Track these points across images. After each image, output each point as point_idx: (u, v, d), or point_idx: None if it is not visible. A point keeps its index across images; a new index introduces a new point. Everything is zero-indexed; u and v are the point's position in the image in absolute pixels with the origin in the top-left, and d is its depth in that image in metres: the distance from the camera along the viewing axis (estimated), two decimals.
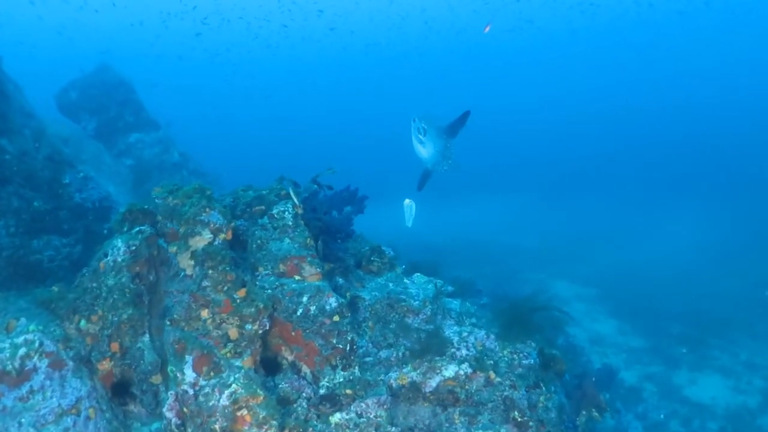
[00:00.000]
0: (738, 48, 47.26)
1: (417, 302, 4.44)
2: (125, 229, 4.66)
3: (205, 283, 3.53)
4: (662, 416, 9.30)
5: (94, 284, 4.11)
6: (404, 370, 3.71)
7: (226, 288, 3.53)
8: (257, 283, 4.12)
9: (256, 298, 3.57)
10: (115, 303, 3.94)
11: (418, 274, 5.81)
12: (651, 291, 13.68)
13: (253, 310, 3.45)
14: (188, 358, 3.30)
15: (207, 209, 3.87)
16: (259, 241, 4.41)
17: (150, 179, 11.71)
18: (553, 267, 15.35)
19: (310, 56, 50.05)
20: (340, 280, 5.15)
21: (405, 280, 5.49)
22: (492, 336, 4.39)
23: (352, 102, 51.99)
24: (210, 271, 3.55)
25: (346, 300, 4.79)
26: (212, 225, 3.88)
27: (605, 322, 12.01)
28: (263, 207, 5.04)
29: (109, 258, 4.16)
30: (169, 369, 3.43)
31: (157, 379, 3.85)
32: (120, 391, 4.04)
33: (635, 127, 47.33)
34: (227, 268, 3.61)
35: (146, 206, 4.66)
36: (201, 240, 3.74)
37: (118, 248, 4.16)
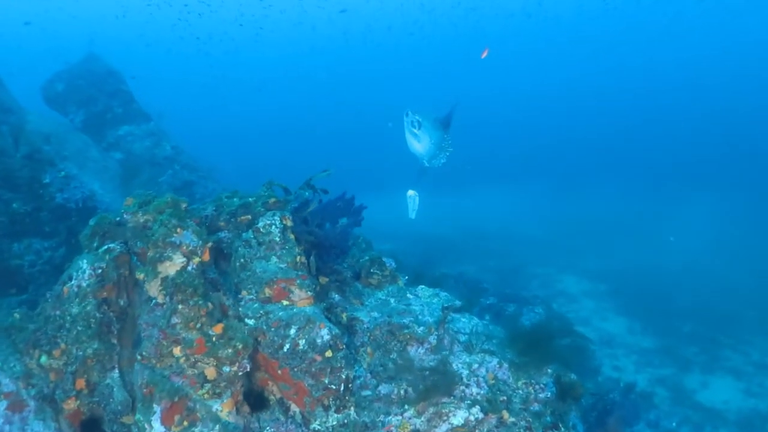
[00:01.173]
0: (764, 33, 45.20)
1: (421, 329, 3.97)
2: (95, 244, 4.20)
3: (175, 319, 3.06)
4: (674, 424, 8.93)
5: (57, 312, 3.65)
6: (406, 414, 3.26)
7: (199, 325, 3.06)
8: (240, 308, 3.66)
9: (234, 336, 3.10)
10: (80, 335, 3.49)
11: (422, 286, 5.33)
12: (662, 286, 13.20)
13: (230, 351, 2.99)
14: (156, 409, 2.85)
15: (178, 229, 3.38)
16: (242, 260, 3.93)
17: (140, 173, 11.20)
18: (561, 260, 14.86)
19: (304, 43, 48.94)
20: (336, 296, 4.69)
21: (408, 295, 5.02)
22: (505, 365, 3.93)
23: (349, 91, 50.95)
24: (180, 306, 3.08)
25: (344, 321, 4.34)
26: (185, 247, 3.39)
27: (615, 320, 11.58)
28: (249, 216, 4.55)
29: (73, 282, 3.70)
30: (136, 417, 2.98)
31: (128, 419, 3.41)
32: (90, 429, 3.62)
33: (651, 114, 45.03)
34: (200, 302, 3.13)
35: (118, 218, 4.18)
36: (171, 266, 3.26)
37: (83, 271, 3.69)
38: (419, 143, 5.65)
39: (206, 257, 3.58)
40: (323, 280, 4.63)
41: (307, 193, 4.37)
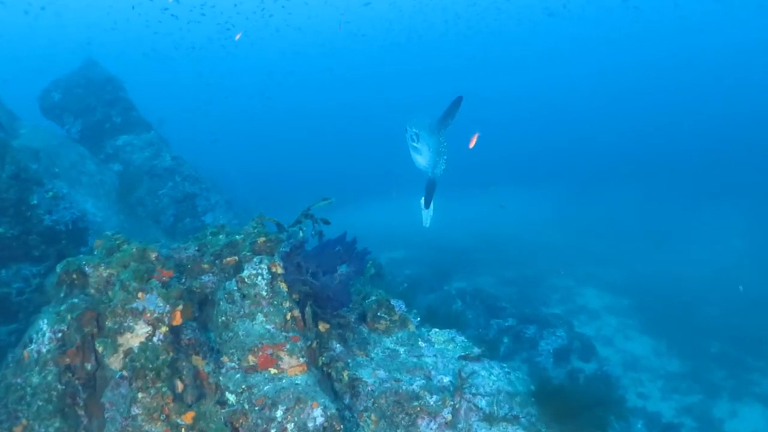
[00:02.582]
0: None
1: (434, 399, 3.37)
2: (62, 294, 3.69)
3: (136, 410, 2.51)
4: None
5: (19, 380, 3.14)
6: None
7: (164, 416, 2.50)
8: (221, 377, 3.10)
9: (207, 427, 2.53)
10: (41, 411, 2.96)
11: (436, 330, 4.74)
12: (689, 300, 12.39)
13: None
14: None
15: (140, 293, 2.82)
16: (223, 318, 3.36)
17: (139, 186, 10.77)
18: (581, 270, 14.08)
19: (315, 44, 48.16)
20: (338, 346, 4.10)
21: (420, 342, 4.42)
22: None
23: (361, 92, 50.05)
24: (140, 395, 2.52)
25: (345, 380, 3.76)
26: (149, 314, 2.84)
27: (639, 340, 10.86)
28: (236, 258, 3.99)
29: (33, 347, 3.18)
30: None
31: None
32: None
33: (681, 116, 41.64)
34: (164, 389, 2.56)
35: (86, 266, 3.66)
36: (134, 337, 2.71)
37: (43, 333, 3.17)
38: (421, 156, 5.47)
39: (177, 321, 3.03)
40: (323, 327, 4.06)
41: (301, 233, 3.78)
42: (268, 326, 3.26)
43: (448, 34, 47.88)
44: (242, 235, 4.04)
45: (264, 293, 3.36)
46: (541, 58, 52.09)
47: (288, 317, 3.36)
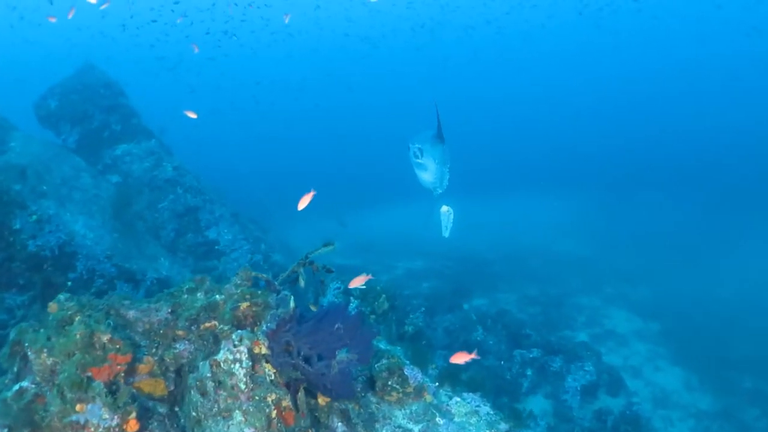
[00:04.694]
0: None
1: None
2: (15, 368, 3.07)
3: None
4: None
5: None
6: None
7: None
8: None
9: None
10: None
11: (457, 399, 4.01)
12: (722, 327, 11.41)
13: None
14: None
15: (80, 403, 2.15)
16: (194, 413, 2.68)
17: (138, 200, 10.20)
18: (609, 287, 13.14)
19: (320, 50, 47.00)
20: (339, 425, 3.41)
21: (437, 419, 3.72)
22: None
23: (376, 95, 48.79)
24: None
25: None
26: (92, 428, 2.16)
27: (670, 371, 9.97)
28: (215, 323, 3.31)
29: None
30: None
31: None
32: None
33: (725, 121, 37.27)
34: None
35: (28, 348, 3.01)
36: None
37: None
38: (426, 171, 5.31)
39: (132, 428, 2.36)
40: (322, 401, 3.36)
41: (292, 302, 3.07)
42: (247, 428, 2.57)
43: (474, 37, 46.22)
44: (223, 296, 3.35)
45: (243, 385, 2.66)
46: (572, 60, 49.99)
47: (273, 416, 2.66)
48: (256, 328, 3.21)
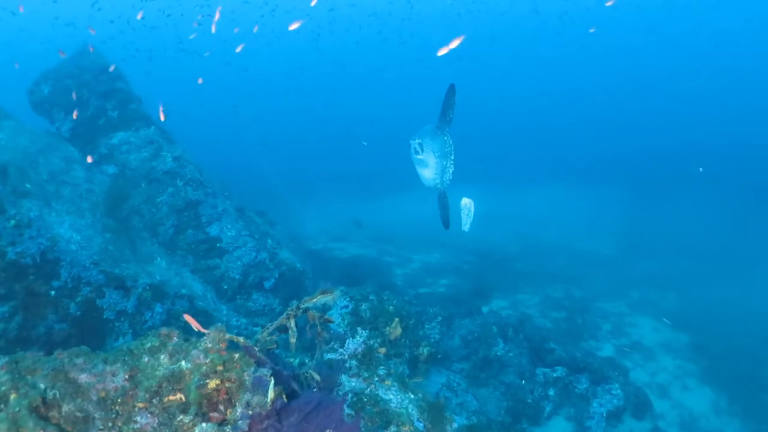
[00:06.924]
0: None
1: None
2: None
3: None
4: None
5: None
6: None
7: None
8: None
9: None
10: None
11: None
12: (756, 346, 10.55)
13: None
14: None
15: None
16: None
17: (134, 194, 9.61)
18: (635, 291, 12.29)
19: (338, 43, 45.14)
20: None
21: None
22: None
23: (391, 87, 47.05)
24: None
25: None
26: None
27: (698, 391, 9.20)
28: (182, 396, 2.67)
29: None
30: None
31: None
32: None
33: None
34: None
35: None
36: None
37: None
38: (427, 168, 5.12)
39: None
40: None
41: (271, 390, 2.38)
42: None
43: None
44: (190, 365, 2.69)
45: None
46: (609, 55, 47.33)
47: None
48: (228, 414, 2.55)
